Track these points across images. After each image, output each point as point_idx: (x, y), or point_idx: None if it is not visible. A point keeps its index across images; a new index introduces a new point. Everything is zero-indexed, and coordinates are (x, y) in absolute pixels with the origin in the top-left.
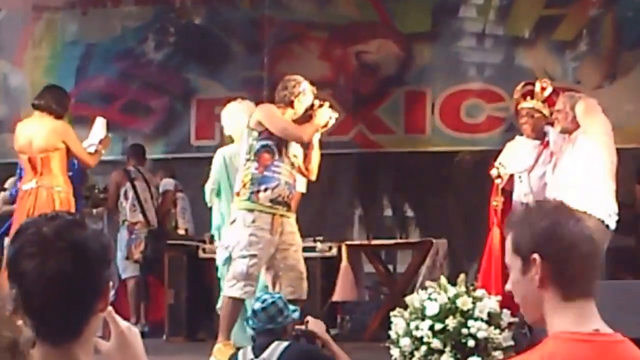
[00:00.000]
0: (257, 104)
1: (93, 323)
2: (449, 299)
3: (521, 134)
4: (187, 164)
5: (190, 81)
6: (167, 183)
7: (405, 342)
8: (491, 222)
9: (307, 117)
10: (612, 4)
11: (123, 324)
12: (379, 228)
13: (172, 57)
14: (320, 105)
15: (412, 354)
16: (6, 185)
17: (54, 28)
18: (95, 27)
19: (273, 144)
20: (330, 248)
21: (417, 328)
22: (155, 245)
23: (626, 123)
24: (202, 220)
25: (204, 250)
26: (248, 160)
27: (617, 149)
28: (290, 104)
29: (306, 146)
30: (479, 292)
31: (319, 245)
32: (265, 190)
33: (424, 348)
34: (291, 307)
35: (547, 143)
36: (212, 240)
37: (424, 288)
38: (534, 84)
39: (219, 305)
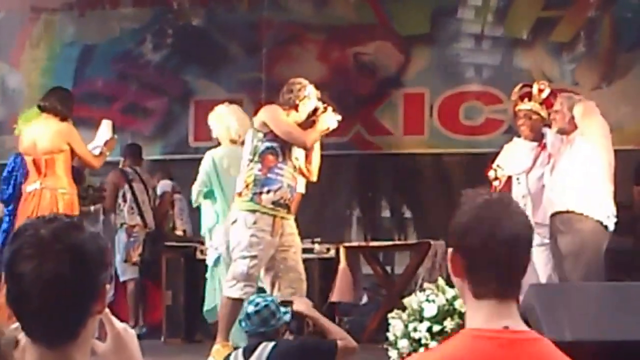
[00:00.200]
0: (257, 105)
1: (90, 325)
2: (447, 300)
3: (519, 136)
4: (186, 165)
5: (189, 83)
6: (165, 185)
7: (403, 343)
8: None
9: (310, 121)
10: (609, 6)
11: (119, 325)
12: (377, 229)
13: (170, 59)
14: (324, 110)
15: (410, 355)
16: None
17: (52, 29)
18: (93, 28)
19: (277, 146)
20: (328, 250)
21: (415, 330)
22: (153, 247)
23: (624, 124)
24: (200, 221)
25: (201, 251)
26: (251, 161)
27: (615, 150)
28: (295, 107)
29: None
30: None
31: (316, 246)
32: (268, 192)
33: (422, 350)
34: (282, 309)
35: (545, 145)
36: (203, 242)
37: (422, 290)
38: (531, 86)
39: (206, 308)
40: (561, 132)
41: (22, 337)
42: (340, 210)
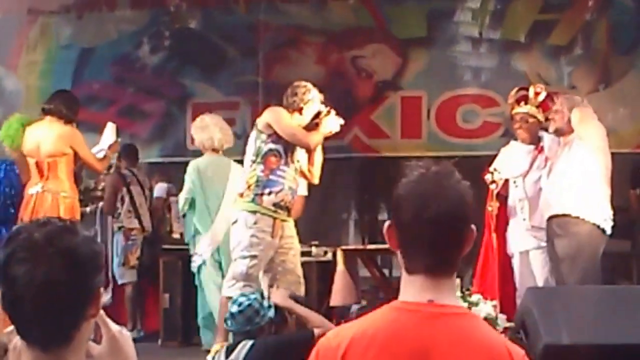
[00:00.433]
0: (254, 108)
1: (84, 328)
2: None
3: (516, 139)
4: (183, 168)
5: (186, 86)
6: (160, 188)
7: None
8: (486, 227)
9: (313, 124)
10: (606, 9)
11: (115, 327)
12: (375, 232)
13: (167, 62)
14: (328, 113)
15: None
16: None
17: (49, 32)
18: (90, 31)
19: (280, 148)
20: (326, 253)
21: None
22: (150, 250)
23: (620, 127)
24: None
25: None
26: (254, 162)
27: (612, 154)
28: (299, 110)
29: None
30: (475, 297)
31: (314, 249)
32: (270, 193)
33: None
34: (265, 303)
35: (542, 148)
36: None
37: None
38: (527, 89)
39: (201, 315)
40: (559, 131)
41: (16, 341)
42: (338, 213)
